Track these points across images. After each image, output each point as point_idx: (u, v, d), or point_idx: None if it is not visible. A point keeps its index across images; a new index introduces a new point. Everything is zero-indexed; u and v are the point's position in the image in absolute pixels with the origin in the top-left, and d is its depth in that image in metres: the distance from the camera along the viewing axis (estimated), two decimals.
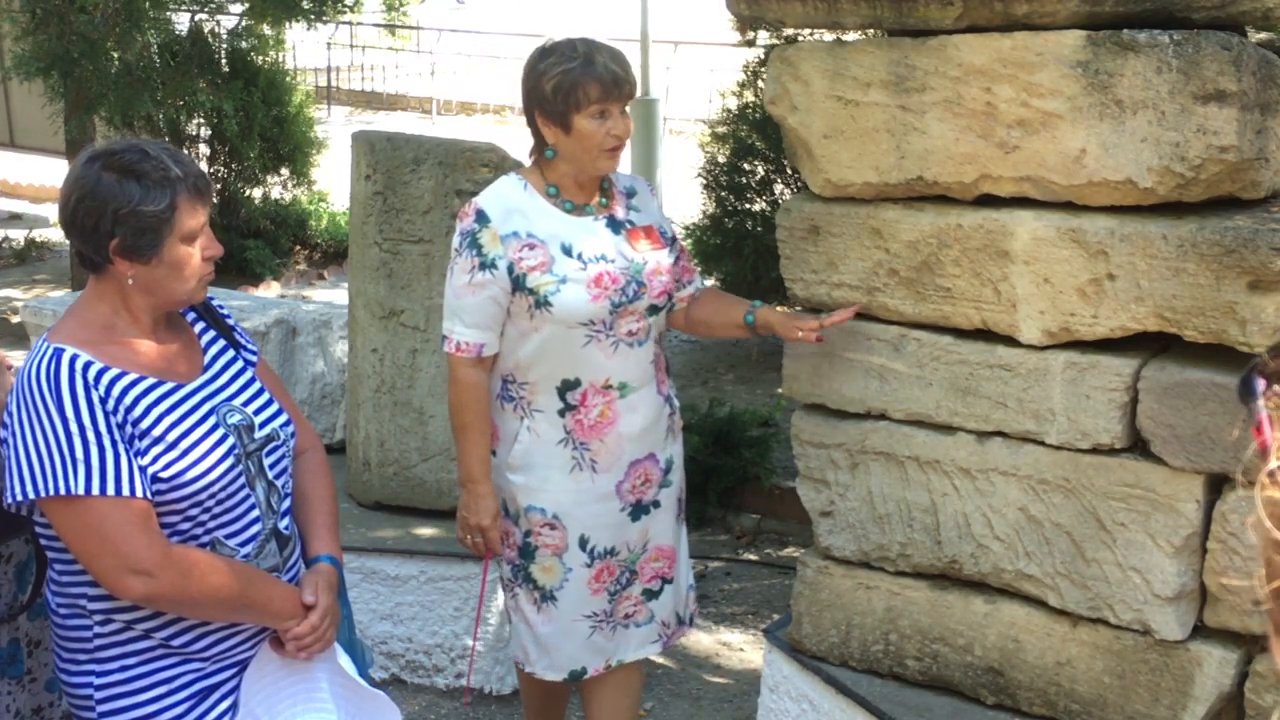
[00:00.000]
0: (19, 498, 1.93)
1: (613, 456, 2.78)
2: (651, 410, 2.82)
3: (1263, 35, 2.62)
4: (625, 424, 2.77)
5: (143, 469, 1.95)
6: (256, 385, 2.20)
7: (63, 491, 1.90)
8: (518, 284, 2.67)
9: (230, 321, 2.27)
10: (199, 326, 2.20)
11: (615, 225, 2.77)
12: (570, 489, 2.77)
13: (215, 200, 8.28)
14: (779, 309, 2.91)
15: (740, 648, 4.19)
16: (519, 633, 2.94)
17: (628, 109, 2.73)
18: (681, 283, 2.90)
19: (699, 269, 3.07)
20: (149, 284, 2.02)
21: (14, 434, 1.95)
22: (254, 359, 2.26)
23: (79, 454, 1.91)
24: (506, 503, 2.84)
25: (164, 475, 1.97)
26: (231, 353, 2.21)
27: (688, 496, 3.08)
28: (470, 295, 2.69)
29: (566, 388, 2.73)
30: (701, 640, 4.22)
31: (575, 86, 2.61)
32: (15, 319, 6.90)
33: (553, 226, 2.71)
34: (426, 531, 3.87)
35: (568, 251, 2.69)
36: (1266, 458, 0.75)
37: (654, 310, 2.78)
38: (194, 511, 2.02)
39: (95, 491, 1.91)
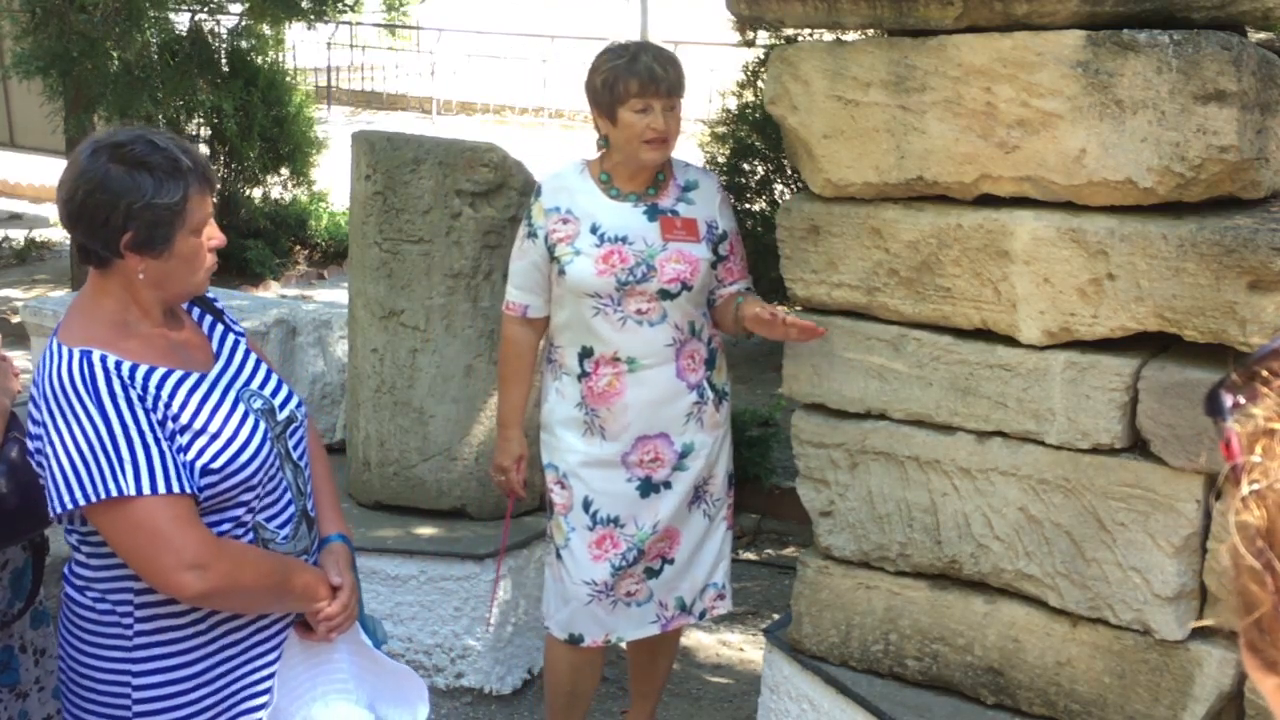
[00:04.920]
0: (67, 506, 1.87)
1: (619, 426, 2.95)
2: (665, 390, 2.95)
3: (1263, 35, 2.62)
4: (632, 396, 2.93)
5: (186, 464, 1.91)
6: (264, 367, 2.18)
7: (113, 494, 1.85)
8: (550, 252, 2.93)
9: (218, 304, 2.23)
10: (195, 312, 2.16)
11: (653, 212, 2.94)
12: (580, 450, 2.97)
13: (215, 200, 8.33)
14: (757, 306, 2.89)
15: (740, 648, 4.19)
16: (546, 586, 3.15)
17: (678, 109, 2.89)
18: (723, 281, 3.02)
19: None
20: (159, 278, 1.97)
21: (52, 443, 1.88)
22: (244, 338, 2.22)
23: (124, 454, 1.86)
24: (544, 457, 3.08)
25: (215, 466, 1.94)
26: (232, 336, 2.18)
27: None
28: (519, 260, 3.01)
29: (584, 355, 2.95)
30: (701, 640, 4.22)
31: (617, 81, 2.84)
32: (15, 319, 6.90)
33: (591, 207, 2.94)
34: (426, 531, 3.87)
35: (594, 230, 2.91)
36: (1237, 478, 0.74)
37: (665, 295, 2.90)
38: (246, 498, 2.00)
39: (145, 491, 1.85)
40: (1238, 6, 2.31)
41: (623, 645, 3.51)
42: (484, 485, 3.84)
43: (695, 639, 4.20)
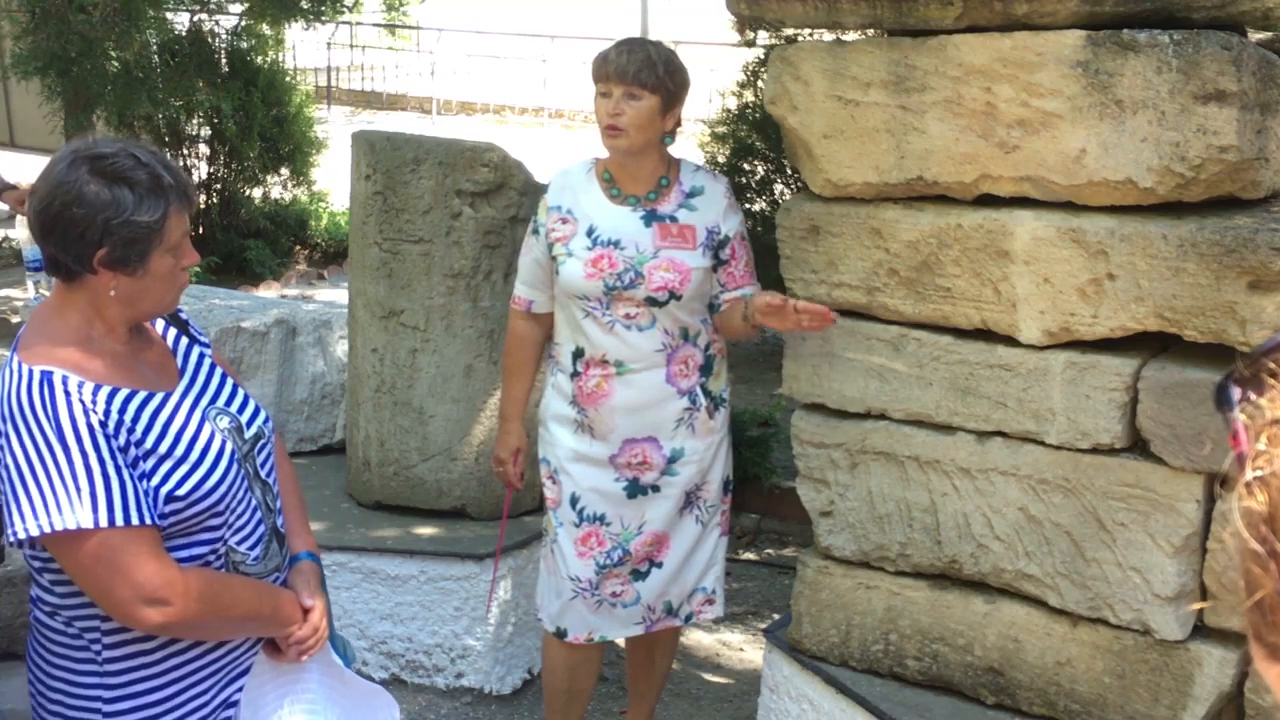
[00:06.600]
0: (21, 536, 1.81)
1: (606, 427, 2.96)
2: (653, 394, 2.94)
3: (1263, 35, 2.62)
4: (619, 399, 2.94)
5: (148, 492, 1.86)
6: (230, 382, 2.12)
7: (70, 526, 1.78)
8: (549, 251, 2.95)
9: (184, 316, 2.16)
10: (160, 325, 2.10)
11: (650, 218, 2.92)
12: (571, 446, 3.00)
13: (215, 200, 8.34)
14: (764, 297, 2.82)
15: (740, 648, 4.19)
16: (540, 577, 3.18)
17: (648, 101, 2.82)
18: (725, 286, 2.98)
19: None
20: (131, 296, 1.90)
21: (8, 469, 1.82)
22: (209, 350, 2.16)
23: (83, 485, 1.80)
24: (540, 451, 3.11)
25: (180, 493, 1.88)
26: (198, 350, 2.11)
27: None
28: (525, 255, 3.05)
29: (576, 354, 2.97)
30: (701, 640, 4.22)
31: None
32: (15, 319, 6.90)
33: (591, 208, 2.94)
34: (426, 531, 3.87)
35: (589, 232, 2.91)
36: (1243, 467, 0.75)
37: (653, 302, 2.88)
38: (213, 522, 1.95)
39: (103, 524, 1.79)
40: (1238, 6, 2.31)
41: (621, 645, 3.51)
42: (484, 485, 3.85)
43: (695, 639, 4.21)
